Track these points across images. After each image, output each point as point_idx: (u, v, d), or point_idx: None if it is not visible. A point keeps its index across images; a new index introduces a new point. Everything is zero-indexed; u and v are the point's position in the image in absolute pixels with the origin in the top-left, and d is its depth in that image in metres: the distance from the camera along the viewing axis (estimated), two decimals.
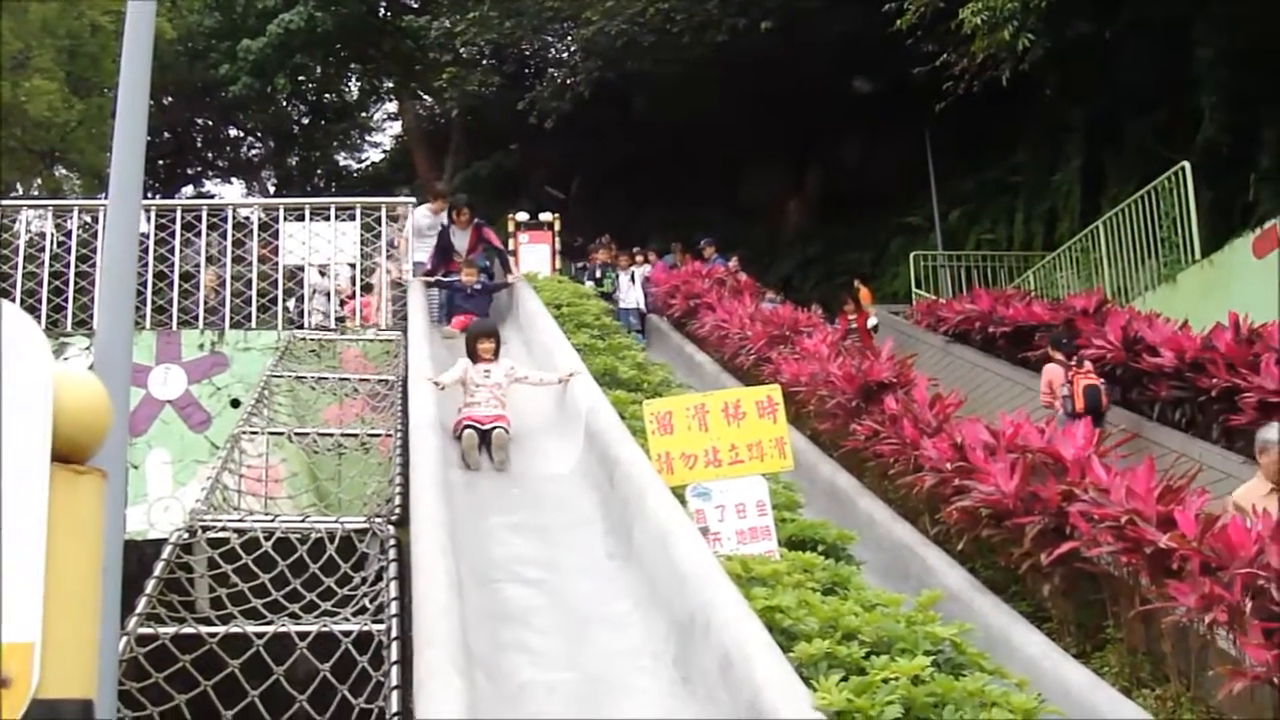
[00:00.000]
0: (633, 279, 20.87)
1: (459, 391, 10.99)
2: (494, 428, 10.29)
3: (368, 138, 48.21)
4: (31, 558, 1.84)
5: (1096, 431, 9.24)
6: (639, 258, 22.66)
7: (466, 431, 10.10)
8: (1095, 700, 7.26)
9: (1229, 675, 6.59)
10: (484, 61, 33.15)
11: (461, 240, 16.42)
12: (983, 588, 9.09)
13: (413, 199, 17.91)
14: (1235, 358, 11.74)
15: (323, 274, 16.75)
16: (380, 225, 15.89)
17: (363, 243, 15.89)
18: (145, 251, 15.31)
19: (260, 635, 6.99)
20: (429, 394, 10.27)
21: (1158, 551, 7.43)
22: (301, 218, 16.08)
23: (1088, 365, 13.29)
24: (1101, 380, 13.13)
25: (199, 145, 45.46)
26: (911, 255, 24.34)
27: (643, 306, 20.68)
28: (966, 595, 8.86)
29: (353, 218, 15.92)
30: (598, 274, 22.05)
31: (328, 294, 16.70)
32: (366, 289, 16.31)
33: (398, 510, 8.44)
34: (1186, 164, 16.65)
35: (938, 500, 9.86)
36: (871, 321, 19.30)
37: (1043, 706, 5.22)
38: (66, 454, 1.92)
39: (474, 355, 11.11)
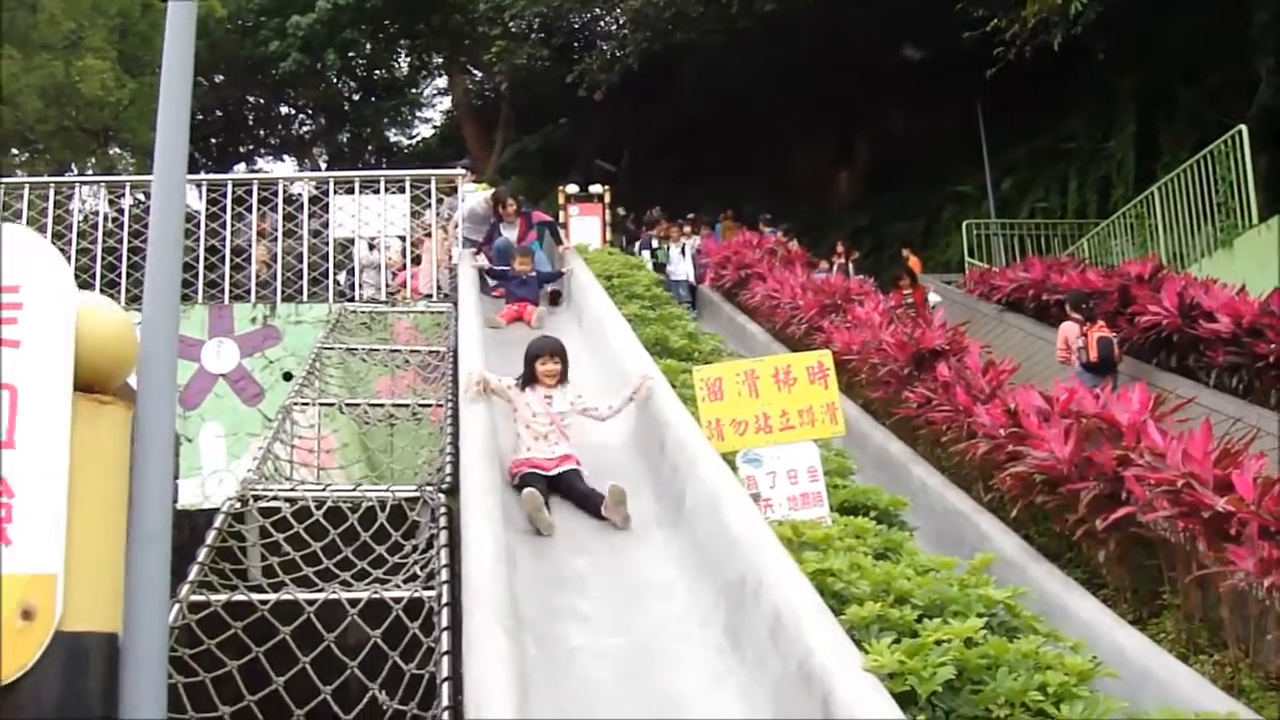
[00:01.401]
0: (683, 251, 20.83)
1: (505, 416, 9.19)
2: (565, 471, 8.34)
3: (418, 113, 48.40)
4: (54, 488, 1.81)
5: (1145, 394, 9.09)
6: (688, 229, 22.58)
7: (528, 491, 7.83)
8: (1151, 666, 7.19)
9: None
10: (533, 35, 33.11)
11: (511, 233, 15.75)
12: (1037, 554, 9.01)
13: (462, 171, 17.86)
14: None
15: (372, 247, 16.77)
16: (430, 198, 15.89)
17: (412, 215, 15.91)
18: (196, 227, 15.42)
19: (311, 602, 7.00)
20: (478, 361, 10.19)
21: (1215, 515, 7.33)
22: (351, 191, 16.10)
23: (1101, 322, 14.01)
24: (1114, 334, 13.92)
25: (250, 123, 45.69)
26: (964, 224, 24.17)
27: (693, 279, 20.63)
28: (1020, 562, 8.78)
29: (402, 190, 15.92)
30: (654, 244, 22.02)
31: (377, 267, 16.70)
32: (415, 261, 16.31)
33: (449, 479, 8.45)
34: (1243, 127, 16.42)
35: (991, 467, 9.78)
36: (933, 299, 19.05)
37: (1098, 669, 5.14)
38: (90, 384, 1.89)
39: (533, 378, 8.88)
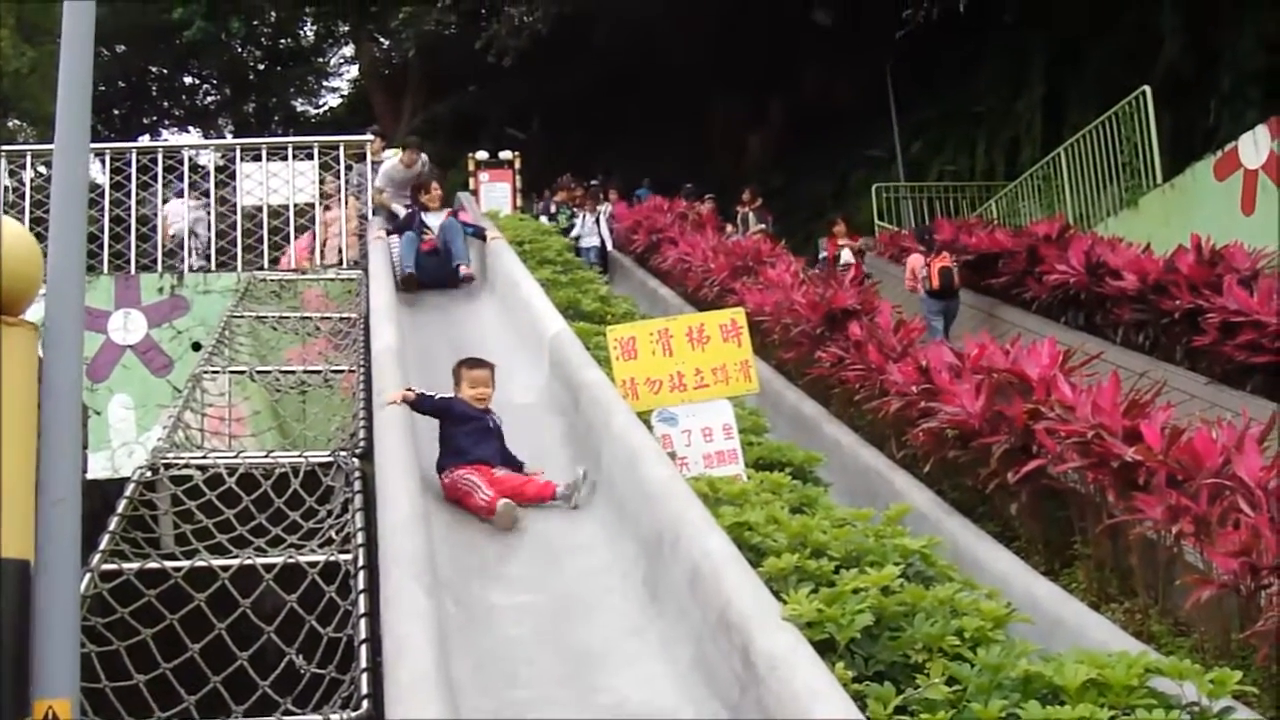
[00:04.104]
0: (597, 220, 20.72)
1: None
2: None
3: (325, 82, 47.79)
4: None
5: (1054, 349, 9.19)
6: (602, 196, 22.47)
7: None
8: (1063, 614, 7.27)
9: (1196, 584, 6.59)
10: (440, 1, 32.76)
11: (435, 221, 14.52)
12: (950, 509, 9.09)
13: (371, 137, 17.73)
14: (1198, 279, 11.78)
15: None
16: (338, 164, 15.74)
17: (320, 182, 15.74)
18: (100, 197, 15.17)
19: (226, 569, 6.95)
20: (390, 326, 10.12)
21: (1124, 465, 7.43)
22: (258, 159, 15.90)
23: (945, 254, 15.83)
24: (955, 262, 15.74)
25: (154, 93, 44.93)
26: (874, 187, 24.30)
27: (608, 244, 20.54)
28: (935, 516, 8.86)
29: (310, 157, 15.75)
30: (552, 209, 21.94)
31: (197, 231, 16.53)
32: (301, 230, 16.01)
33: (362, 443, 8.39)
34: (1147, 89, 16.63)
35: (903, 424, 9.86)
36: (855, 245, 19.28)
37: (1013, 614, 5.20)
38: None
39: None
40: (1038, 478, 8.24)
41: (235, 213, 15.60)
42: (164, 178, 15.53)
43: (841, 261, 18.80)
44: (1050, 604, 7.39)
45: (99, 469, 13.17)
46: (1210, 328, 11.11)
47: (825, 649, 4.69)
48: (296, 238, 15.93)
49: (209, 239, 16.35)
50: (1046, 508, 8.55)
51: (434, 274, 13.75)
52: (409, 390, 8.11)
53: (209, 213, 16.48)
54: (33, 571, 1.72)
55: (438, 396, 8.05)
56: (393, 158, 17.16)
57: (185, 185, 15.67)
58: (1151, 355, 12.23)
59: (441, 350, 10.62)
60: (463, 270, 13.64)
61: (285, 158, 15.75)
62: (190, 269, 15.49)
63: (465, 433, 7.82)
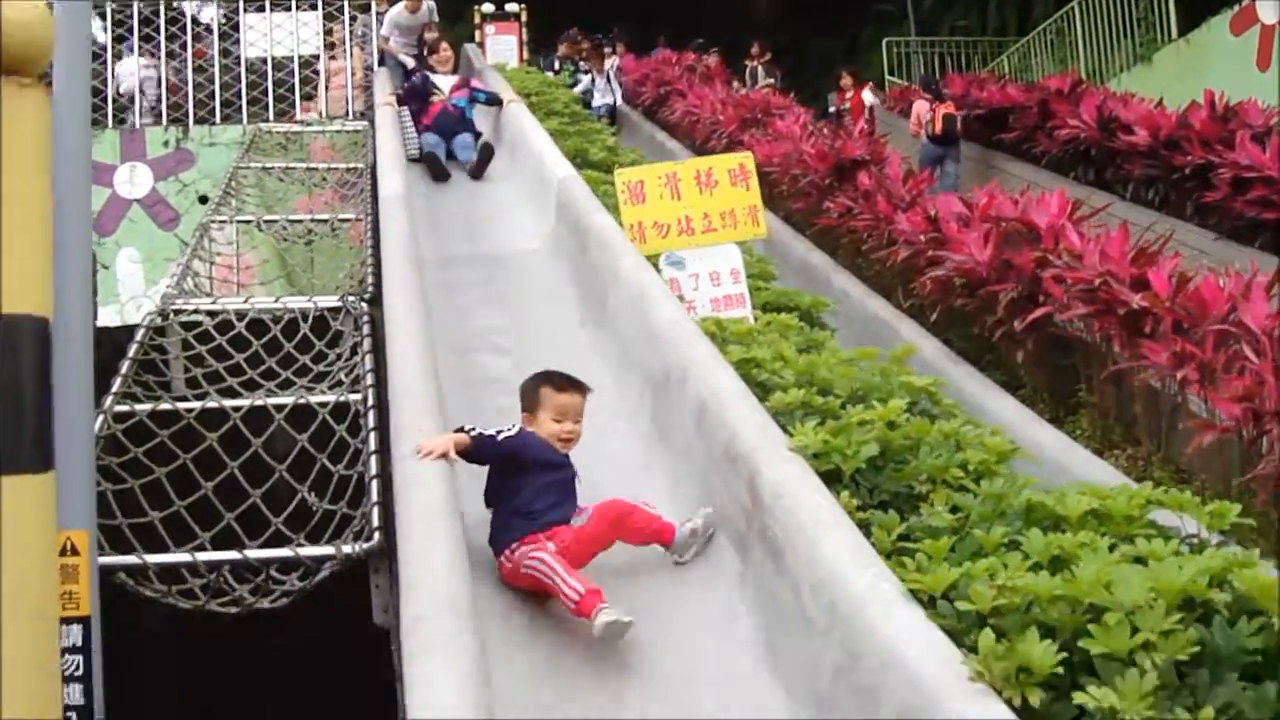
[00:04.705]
0: (608, 78, 20.44)
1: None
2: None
3: None
4: None
5: (1063, 199, 9.16)
6: (608, 50, 22.16)
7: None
8: (1066, 461, 7.33)
9: (1199, 429, 6.64)
10: None
11: (445, 84, 13.54)
12: (956, 357, 9.14)
13: None
14: (1210, 135, 11.71)
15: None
16: (343, 15, 15.61)
17: (327, 33, 15.63)
18: (103, 50, 15.09)
19: (237, 409, 7.02)
20: (397, 174, 10.08)
21: (1130, 313, 7.44)
22: (262, 10, 15.76)
23: (949, 102, 16.24)
24: (960, 111, 16.15)
25: None
26: (884, 41, 24.04)
27: (618, 100, 20.31)
28: (940, 364, 8.90)
29: (314, 8, 15.61)
30: (556, 65, 21.67)
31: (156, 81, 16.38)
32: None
33: (371, 288, 8.43)
34: None
35: (911, 273, 9.86)
36: (868, 99, 19.24)
37: (1017, 450, 5.25)
38: (10, 67, 1.85)
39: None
40: (1044, 326, 8.27)
41: (239, 65, 15.51)
42: (166, 30, 15.40)
43: (866, 104, 18.83)
44: (1054, 450, 7.45)
45: (108, 321, 13.25)
46: (1221, 183, 11.07)
47: (831, 480, 4.74)
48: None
49: (159, 95, 16.22)
50: (1052, 356, 8.58)
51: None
52: (461, 432, 5.23)
53: (159, 71, 16.31)
54: (51, 330, 1.76)
55: (501, 437, 5.21)
56: (398, 4, 16.94)
57: (135, 40, 15.53)
58: (1161, 211, 12.18)
59: (448, 208, 10.58)
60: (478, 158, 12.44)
61: (289, 8, 15.60)
62: (134, 127, 15.30)
63: (539, 487, 5.13)
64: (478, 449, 5.16)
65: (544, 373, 5.50)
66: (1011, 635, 3.56)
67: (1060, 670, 3.43)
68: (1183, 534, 4.35)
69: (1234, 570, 3.78)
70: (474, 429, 5.16)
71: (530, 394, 5.42)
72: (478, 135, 12.90)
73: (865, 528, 4.37)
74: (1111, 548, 4.02)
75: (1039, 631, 3.53)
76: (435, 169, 12.12)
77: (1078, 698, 3.29)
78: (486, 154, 12.28)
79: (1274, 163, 10.65)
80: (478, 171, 12.03)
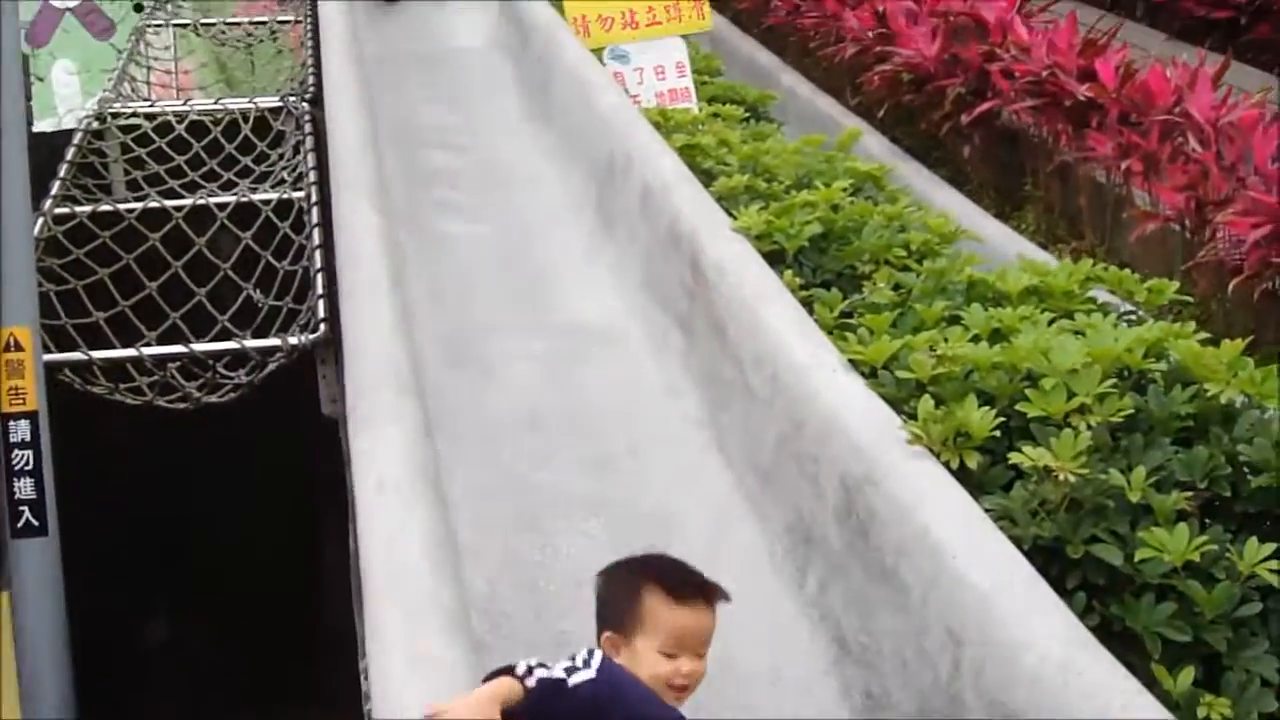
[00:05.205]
0: None
1: None
2: None
3: None
4: None
5: None
6: None
7: None
8: (1010, 252, 7.33)
9: (1142, 218, 6.67)
10: None
11: None
12: (904, 154, 9.07)
13: None
14: None
15: None
16: None
17: None
18: None
19: (179, 209, 6.93)
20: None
21: (1077, 105, 7.40)
22: None
23: None
24: None
25: None
26: None
27: None
28: (888, 160, 8.79)
29: None
30: None
31: None
32: None
33: (312, 89, 8.29)
34: None
35: (859, 71, 9.74)
36: None
37: (960, 232, 5.27)
38: None
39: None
40: (991, 120, 8.22)
41: None
42: None
43: None
44: (998, 241, 7.46)
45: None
46: None
47: (774, 261, 4.76)
48: None
49: None
50: (998, 151, 8.55)
51: None
52: (509, 676, 2.60)
53: None
54: None
55: (575, 681, 2.65)
56: None
57: None
58: (1113, 11, 12.04)
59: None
60: None
61: None
62: None
63: None
64: (538, 701, 2.61)
65: (648, 562, 3.01)
66: (950, 402, 3.63)
67: (997, 435, 3.50)
68: (1121, 311, 4.41)
69: (1170, 341, 3.85)
70: (529, 668, 2.63)
71: (622, 599, 2.91)
72: None
73: (808, 305, 4.41)
74: (1051, 322, 4.07)
75: (977, 399, 3.59)
76: None
77: (1013, 458, 3.36)
78: None
79: None
80: None
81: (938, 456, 3.45)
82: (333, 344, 5.60)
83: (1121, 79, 7.26)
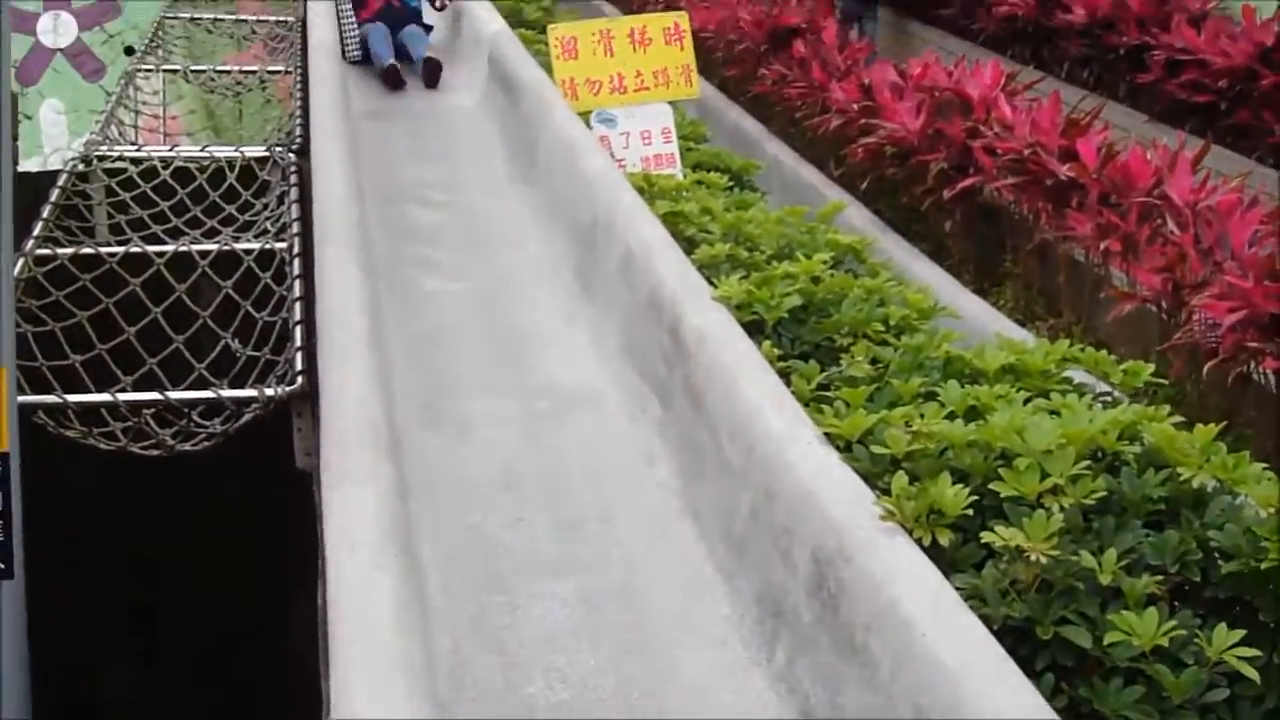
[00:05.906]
0: None
1: None
2: None
3: None
4: None
5: (997, 70, 9.21)
6: None
7: None
8: (988, 329, 7.37)
9: (1120, 298, 6.74)
10: None
11: None
12: (885, 226, 9.18)
13: None
14: (1147, 16, 11.69)
15: None
16: None
17: None
18: None
19: (161, 255, 6.93)
20: (327, 24, 9.87)
21: (1058, 184, 7.50)
22: None
23: None
24: None
25: None
26: None
27: None
28: (869, 232, 8.87)
29: None
30: None
31: None
32: None
33: (299, 139, 8.32)
34: None
35: (844, 142, 9.85)
36: None
37: (939, 309, 5.31)
38: None
39: None
40: (972, 196, 8.32)
41: None
42: None
43: None
44: (978, 318, 7.52)
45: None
46: (1155, 65, 11.08)
47: (753, 331, 4.77)
48: None
49: None
50: (979, 227, 8.64)
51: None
52: None
53: None
54: None
55: None
56: None
57: None
58: (1095, 92, 12.18)
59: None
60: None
61: None
62: None
63: None
64: None
65: None
66: (924, 479, 3.64)
67: (970, 513, 3.50)
68: (1097, 392, 4.43)
69: (1144, 424, 3.88)
70: None
71: None
72: (428, 28, 10.89)
73: (786, 377, 4.41)
74: (1026, 401, 4.09)
75: (951, 476, 3.60)
76: (392, 80, 10.07)
77: (985, 537, 3.36)
78: (437, 69, 10.11)
79: (1208, 46, 10.66)
80: (431, 81, 10.08)
81: (910, 533, 3.46)
82: (309, 397, 5.60)
83: (1102, 160, 7.36)
